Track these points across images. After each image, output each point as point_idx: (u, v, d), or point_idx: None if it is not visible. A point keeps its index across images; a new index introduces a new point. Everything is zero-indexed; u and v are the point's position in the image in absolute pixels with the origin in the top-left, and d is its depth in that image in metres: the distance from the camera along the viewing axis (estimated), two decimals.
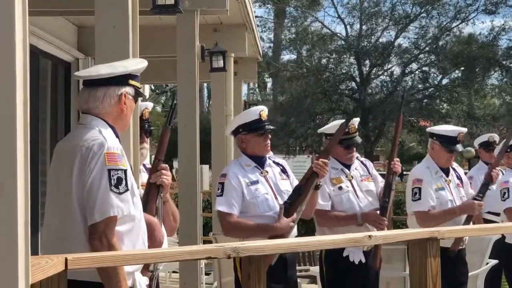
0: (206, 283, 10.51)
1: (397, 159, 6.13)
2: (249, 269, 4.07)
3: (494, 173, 6.68)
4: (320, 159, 5.49)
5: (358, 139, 6.23)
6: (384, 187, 6.08)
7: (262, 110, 5.60)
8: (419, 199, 6.36)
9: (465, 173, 7.36)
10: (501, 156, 6.92)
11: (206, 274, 10.96)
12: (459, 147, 6.59)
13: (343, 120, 5.91)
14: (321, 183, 5.62)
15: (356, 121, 6.23)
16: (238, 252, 3.79)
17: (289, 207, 5.38)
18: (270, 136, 5.61)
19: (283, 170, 5.67)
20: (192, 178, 7.04)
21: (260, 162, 5.56)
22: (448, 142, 6.50)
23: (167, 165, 4.43)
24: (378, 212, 6.02)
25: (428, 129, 6.99)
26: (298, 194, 5.42)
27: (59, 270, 3.05)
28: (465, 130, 6.82)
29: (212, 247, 3.91)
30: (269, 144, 5.61)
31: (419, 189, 6.38)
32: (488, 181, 6.65)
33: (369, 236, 4.42)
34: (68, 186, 3.57)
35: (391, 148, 6.26)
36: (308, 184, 5.44)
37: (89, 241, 3.52)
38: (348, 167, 6.13)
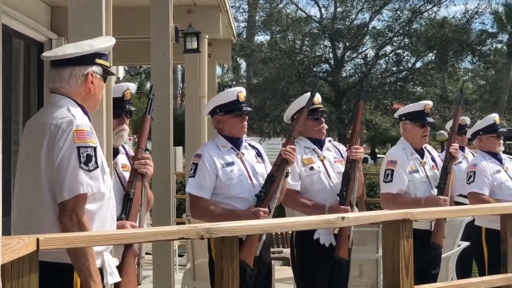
0: (179, 265, 10.52)
1: (358, 146, 5.95)
2: (222, 250, 4.07)
3: (452, 149, 6.54)
4: (288, 146, 5.51)
5: (325, 110, 6.23)
6: (342, 176, 5.94)
7: (240, 92, 5.60)
8: (391, 181, 6.36)
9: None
10: (452, 138, 6.81)
11: (180, 255, 10.97)
12: (430, 119, 6.59)
13: (305, 96, 5.89)
14: (289, 171, 5.60)
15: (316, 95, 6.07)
16: (211, 233, 3.79)
17: (264, 196, 5.39)
18: (247, 117, 5.61)
19: (258, 154, 5.67)
20: (165, 159, 7.02)
21: (236, 143, 5.56)
22: (417, 117, 6.54)
23: (149, 155, 4.61)
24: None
25: (395, 114, 6.98)
26: (271, 181, 5.43)
27: (30, 250, 3.03)
28: (430, 102, 6.81)
29: (185, 227, 3.90)
30: (246, 126, 5.62)
31: (392, 171, 6.37)
32: (447, 164, 6.52)
33: (342, 218, 4.44)
34: (37, 164, 3.56)
35: (350, 135, 6.12)
36: (279, 171, 5.46)
37: (59, 219, 3.51)
38: (321, 147, 6.09)
